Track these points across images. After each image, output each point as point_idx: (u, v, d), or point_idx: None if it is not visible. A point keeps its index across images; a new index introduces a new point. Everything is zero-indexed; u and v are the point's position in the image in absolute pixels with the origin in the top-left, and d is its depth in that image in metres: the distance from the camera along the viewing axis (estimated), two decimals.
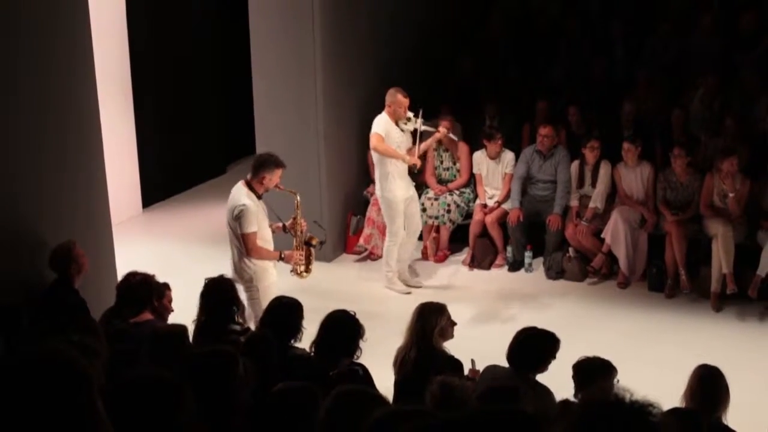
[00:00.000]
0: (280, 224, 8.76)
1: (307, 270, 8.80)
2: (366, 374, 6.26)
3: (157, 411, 3.53)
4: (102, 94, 9.37)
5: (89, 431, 2.90)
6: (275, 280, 8.54)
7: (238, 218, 8.24)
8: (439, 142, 11.09)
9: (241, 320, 7.13)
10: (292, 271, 8.80)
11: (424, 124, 10.43)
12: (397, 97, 10.32)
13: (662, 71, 12.15)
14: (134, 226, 12.95)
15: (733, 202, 10.09)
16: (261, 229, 8.40)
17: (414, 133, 10.45)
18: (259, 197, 8.40)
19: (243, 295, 7.83)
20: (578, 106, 11.66)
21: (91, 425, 2.92)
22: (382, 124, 10.40)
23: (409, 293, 10.60)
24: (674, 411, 5.34)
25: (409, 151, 10.51)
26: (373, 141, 10.41)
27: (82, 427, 2.89)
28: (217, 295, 7.02)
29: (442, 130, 10.58)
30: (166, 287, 7.54)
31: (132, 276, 7.41)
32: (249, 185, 8.38)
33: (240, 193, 8.35)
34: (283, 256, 8.51)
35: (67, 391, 2.90)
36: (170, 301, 7.52)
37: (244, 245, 8.33)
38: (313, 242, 8.77)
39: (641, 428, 2.67)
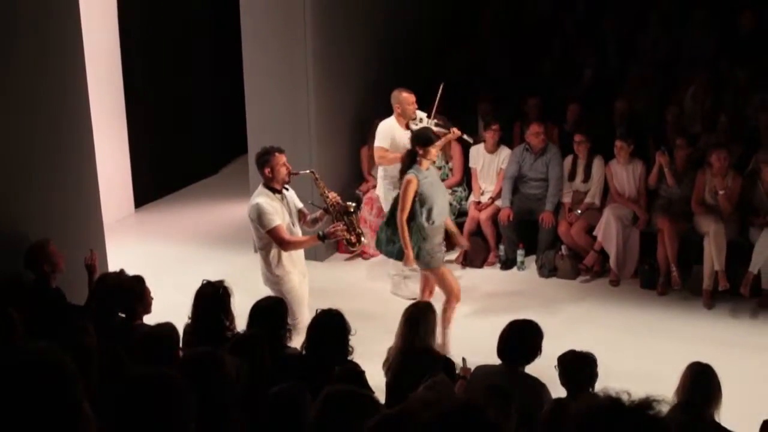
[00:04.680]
0: (320, 211, 8.51)
1: (358, 238, 8.49)
2: (362, 375, 6.27)
3: (161, 409, 3.50)
4: (93, 93, 9.37)
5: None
6: (297, 283, 8.30)
7: (257, 218, 8.04)
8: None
9: (232, 327, 7.06)
10: (347, 246, 8.61)
11: (436, 125, 10.34)
12: (401, 96, 10.22)
13: (654, 68, 12.17)
14: (126, 227, 12.93)
15: (723, 199, 10.10)
16: (288, 225, 8.21)
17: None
18: (277, 192, 8.19)
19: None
20: (578, 103, 11.68)
21: (77, 426, 2.91)
22: (384, 132, 10.31)
23: (414, 299, 10.39)
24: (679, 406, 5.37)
25: None
26: (376, 156, 10.40)
27: (68, 428, 2.88)
28: (208, 300, 6.87)
29: (455, 131, 10.32)
30: (139, 281, 7.42)
31: (107, 278, 7.38)
32: (266, 185, 8.20)
33: (254, 195, 8.20)
34: (322, 234, 8.19)
35: (52, 392, 2.89)
36: (149, 293, 7.42)
37: (275, 242, 8.10)
38: (350, 209, 8.47)
39: (641, 427, 2.68)
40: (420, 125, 10.17)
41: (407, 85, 10.51)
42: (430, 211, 8.55)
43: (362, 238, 8.59)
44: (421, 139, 8.60)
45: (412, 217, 8.55)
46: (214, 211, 13.35)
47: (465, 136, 10.48)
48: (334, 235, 8.29)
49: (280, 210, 8.15)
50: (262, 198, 8.11)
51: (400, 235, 8.59)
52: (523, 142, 11.26)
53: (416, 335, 6.69)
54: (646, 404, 2.72)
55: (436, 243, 8.70)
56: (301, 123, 11.24)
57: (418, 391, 5.27)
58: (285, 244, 8.11)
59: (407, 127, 10.24)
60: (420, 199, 8.51)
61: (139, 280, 7.32)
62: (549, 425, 4.59)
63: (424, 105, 10.45)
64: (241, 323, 6.75)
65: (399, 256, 8.78)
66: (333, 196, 8.49)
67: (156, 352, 5.74)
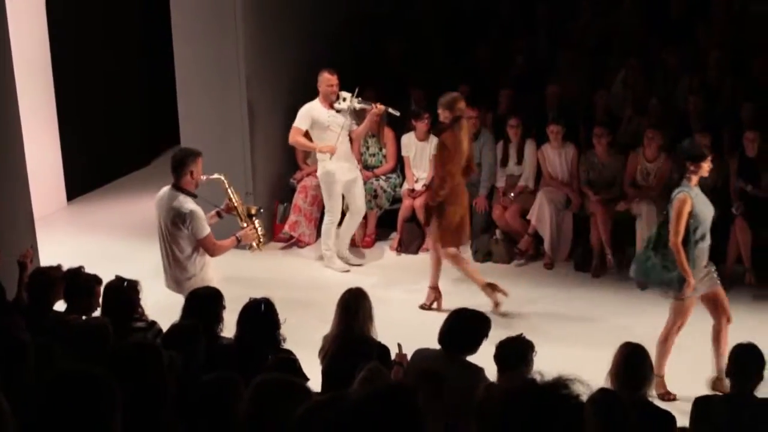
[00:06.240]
0: (214, 212, 8.56)
1: (260, 240, 8.71)
2: (296, 362, 6.26)
3: (87, 407, 3.46)
4: (21, 85, 9.24)
5: None
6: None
7: (190, 225, 8.04)
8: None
9: (144, 318, 7.06)
10: (249, 248, 8.73)
11: (360, 102, 10.45)
12: (322, 76, 10.43)
13: (585, 53, 12.26)
14: (59, 220, 12.78)
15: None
16: None
17: (351, 111, 10.51)
18: (193, 195, 8.20)
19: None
20: (510, 88, 11.72)
21: None
22: (304, 113, 10.49)
23: (347, 271, 10.77)
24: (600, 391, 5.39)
25: (351, 132, 10.68)
26: (291, 136, 10.65)
27: None
28: (116, 297, 6.89)
29: (379, 106, 10.44)
30: (96, 282, 7.35)
31: (42, 272, 7.28)
32: (180, 189, 8.17)
33: (178, 200, 8.10)
34: (239, 237, 8.42)
35: None
36: (98, 296, 7.36)
37: (205, 249, 8.19)
38: (253, 212, 8.67)
39: (556, 404, 2.70)
40: (344, 104, 10.37)
41: (343, 74, 10.53)
42: (702, 232, 7.76)
43: (261, 240, 8.75)
44: (693, 154, 7.74)
45: (685, 240, 7.68)
46: (146, 203, 13.13)
47: (390, 110, 10.54)
48: (247, 238, 8.53)
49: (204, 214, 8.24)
50: (191, 204, 8.11)
51: (677, 260, 7.68)
52: None
53: (354, 321, 6.70)
54: (559, 384, 2.74)
55: (702, 267, 7.86)
56: (234, 113, 11.17)
57: (354, 386, 5.27)
58: (215, 251, 8.26)
59: (331, 106, 10.42)
60: (693, 220, 7.69)
61: (97, 281, 7.26)
62: (480, 409, 4.61)
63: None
64: (173, 317, 6.68)
65: (679, 285, 7.78)
66: (238, 200, 8.62)
67: (88, 346, 5.68)
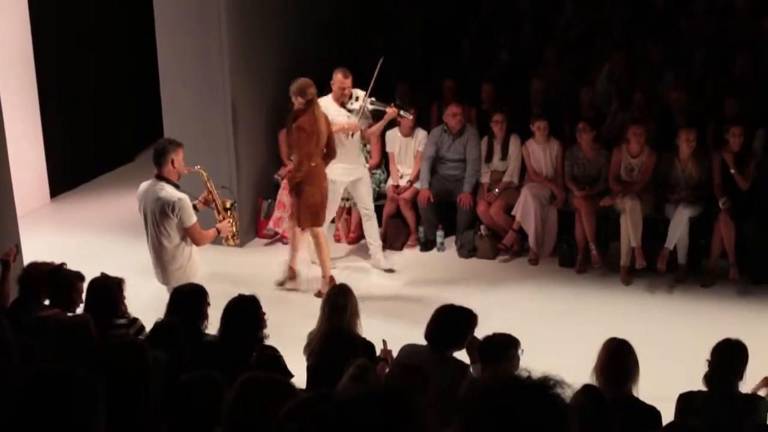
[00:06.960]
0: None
1: (235, 234, 8.84)
2: (280, 359, 6.25)
3: (65, 407, 3.40)
4: (3, 79, 9.19)
5: None
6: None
7: (180, 213, 8.07)
8: None
9: (127, 315, 7.06)
10: (225, 241, 8.83)
11: (373, 103, 10.37)
12: (336, 77, 10.28)
13: (569, 48, 12.26)
14: (42, 217, 12.72)
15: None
16: None
17: (363, 110, 10.39)
18: (177, 186, 8.22)
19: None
20: (492, 83, 11.71)
21: None
22: None
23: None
24: (585, 388, 5.39)
25: (362, 131, 10.58)
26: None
27: None
28: (99, 294, 6.90)
29: (391, 109, 10.42)
30: (79, 278, 7.34)
31: (35, 267, 7.25)
32: (163, 178, 8.17)
33: (165, 189, 8.11)
34: (219, 229, 8.54)
35: None
36: (80, 292, 7.34)
37: (192, 238, 8.22)
38: (227, 205, 8.73)
39: (541, 404, 2.68)
40: (356, 104, 10.27)
41: (326, 67, 10.47)
42: None
43: (236, 234, 8.89)
44: None
45: None
46: (130, 199, 13.07)
47: (402, 112, 10.59)
48: (225, 231, 8.66)
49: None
50: (179, 192, 8.14)
51: None
52: (441, 124, 11.28)
53: (342, 318, 6.70)
54: (545, 383, 2.72)
55: None
56: (218, 108, 11.14)
57: (343, 382, 5.25)
58: (200, 240, 8.33)
59: (343, 105, 10.30)
60: None
61: (80, 278, 7.23)
62: (463, 405, 4.59)
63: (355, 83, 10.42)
64: (158, 313, 6.67)
65: None
66: (215, 194, 8.69)
67: (70, 343, 5.66)
